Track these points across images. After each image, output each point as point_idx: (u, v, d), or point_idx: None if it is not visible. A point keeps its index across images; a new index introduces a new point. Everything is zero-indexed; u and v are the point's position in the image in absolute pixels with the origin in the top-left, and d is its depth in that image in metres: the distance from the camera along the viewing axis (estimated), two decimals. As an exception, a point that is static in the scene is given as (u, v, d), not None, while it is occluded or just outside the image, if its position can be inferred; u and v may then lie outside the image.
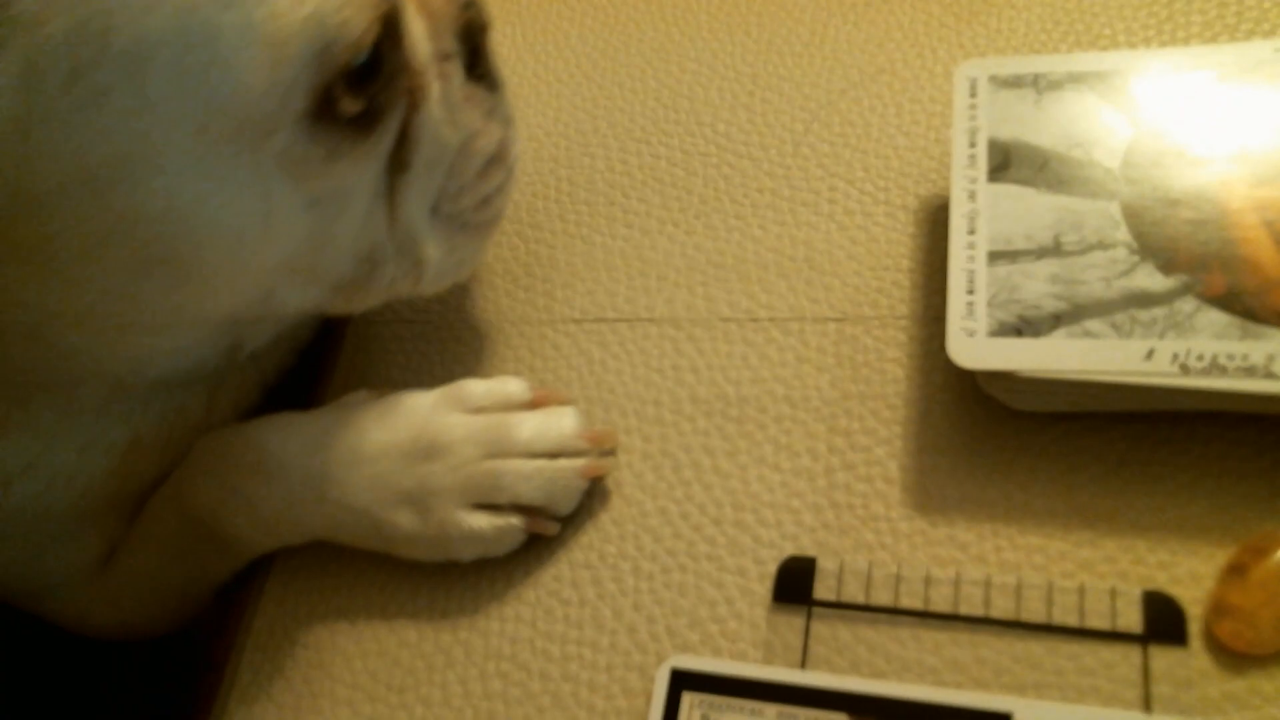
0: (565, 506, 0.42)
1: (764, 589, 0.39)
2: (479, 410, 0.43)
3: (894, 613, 0.37)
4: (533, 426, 0.42)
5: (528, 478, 0.41)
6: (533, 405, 0.43)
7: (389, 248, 0.41)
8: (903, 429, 0.41)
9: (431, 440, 0.41)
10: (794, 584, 0.39)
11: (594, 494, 0.43)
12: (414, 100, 0.39)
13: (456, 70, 0.41)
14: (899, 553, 0.39)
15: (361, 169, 0.38)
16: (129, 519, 0.47)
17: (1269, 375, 0.35)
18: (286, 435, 0.42)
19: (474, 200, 0.43)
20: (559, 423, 0.42)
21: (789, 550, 0.40)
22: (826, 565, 0.39)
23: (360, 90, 0.36)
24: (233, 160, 0.34)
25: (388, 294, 0.43)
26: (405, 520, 0.41)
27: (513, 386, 0.43)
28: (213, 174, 0.34)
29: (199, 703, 0.43)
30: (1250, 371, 0.35)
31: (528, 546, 0.42)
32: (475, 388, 0.43)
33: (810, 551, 0.39)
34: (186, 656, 0.49)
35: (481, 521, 0.41)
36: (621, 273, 0.49)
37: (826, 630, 0.38)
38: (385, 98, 0.37)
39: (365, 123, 0.37)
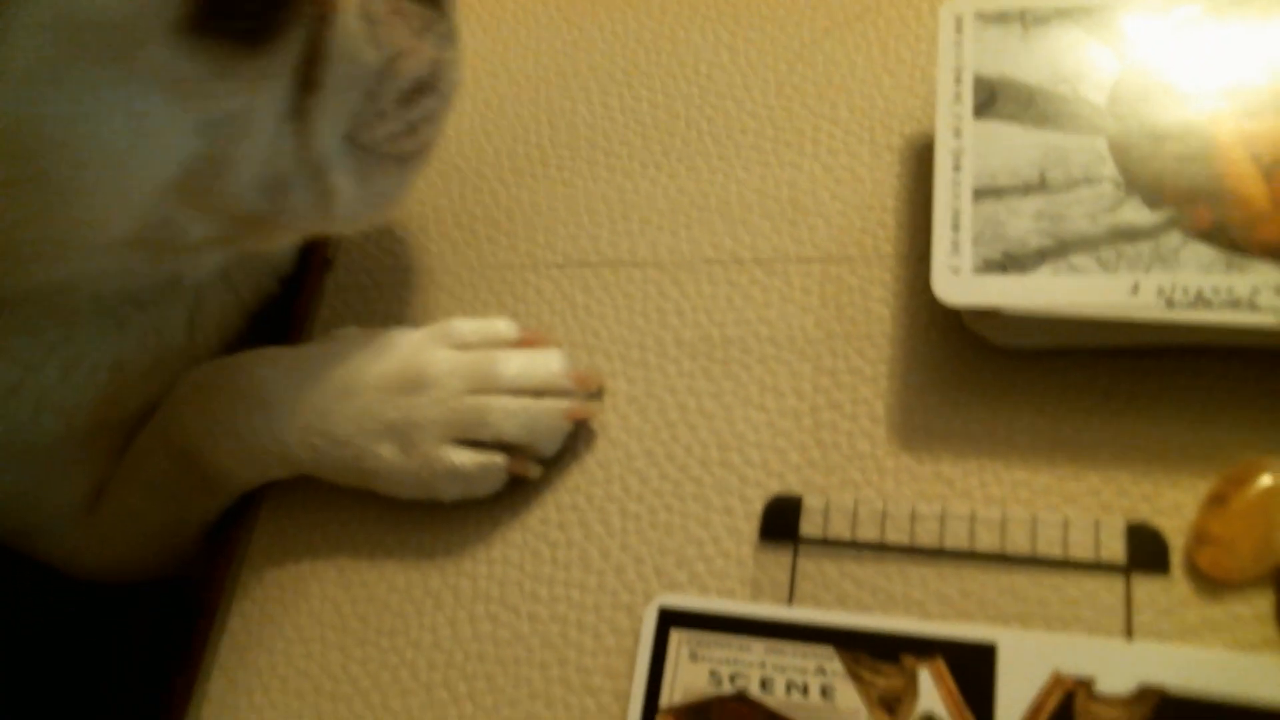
0: (548, 447, 0.42)
1: (750, 527, 0.39)
2: (466, 347, 0.42)
3: (880, 548, 0.37)
4: (519, 364, 0.42)
5: (512, 414, 0.41)
6: (520, 345, 0.43)
7: (296, 176, 0.38)
8: (888, 367, 0.41)
9: (418, 373, 0.41)
10: (780, 522, 0.39)
11: (580, 437, 0.43)
12: (323, 11, 0.36)
13: None
14: (885, 489, 0.39)
15: (259, 88, 0.36)
16: (117, 455, 0.46)
17: (1253, 308, 0.35)
18: (274, 366, 0.42)
19: (397, 128, 0.40)
20: (546, 362, 0.42)
21: (775, 489, 0.40)
22: (812, 503, 0.39)
23: (247, 1, 0.33)
24: (99, 74, 0.32)
25: (298, 229, 0.41)
26: (388, 453, 0.41)
27: (501, 325, 0.43)
28: (78, 88, 0.32)
29: (190, 651, 0.43)
30: (1235, 305, 0.35)
31: (514, 490, 0.42)
32: (463, 325, 0.43)
33: (796, 490, 0.40)
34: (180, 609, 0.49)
35: (464, 458, 0.40)
36: (604, 216, 0.49)
37: (813, 567, 0.38)
38: (284, 8, 0.35)
39: (258, 37, 0.34)
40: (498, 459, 0.41)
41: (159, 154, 0.35)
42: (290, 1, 0.35)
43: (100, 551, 0.48)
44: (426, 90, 0.40)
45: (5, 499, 0.46)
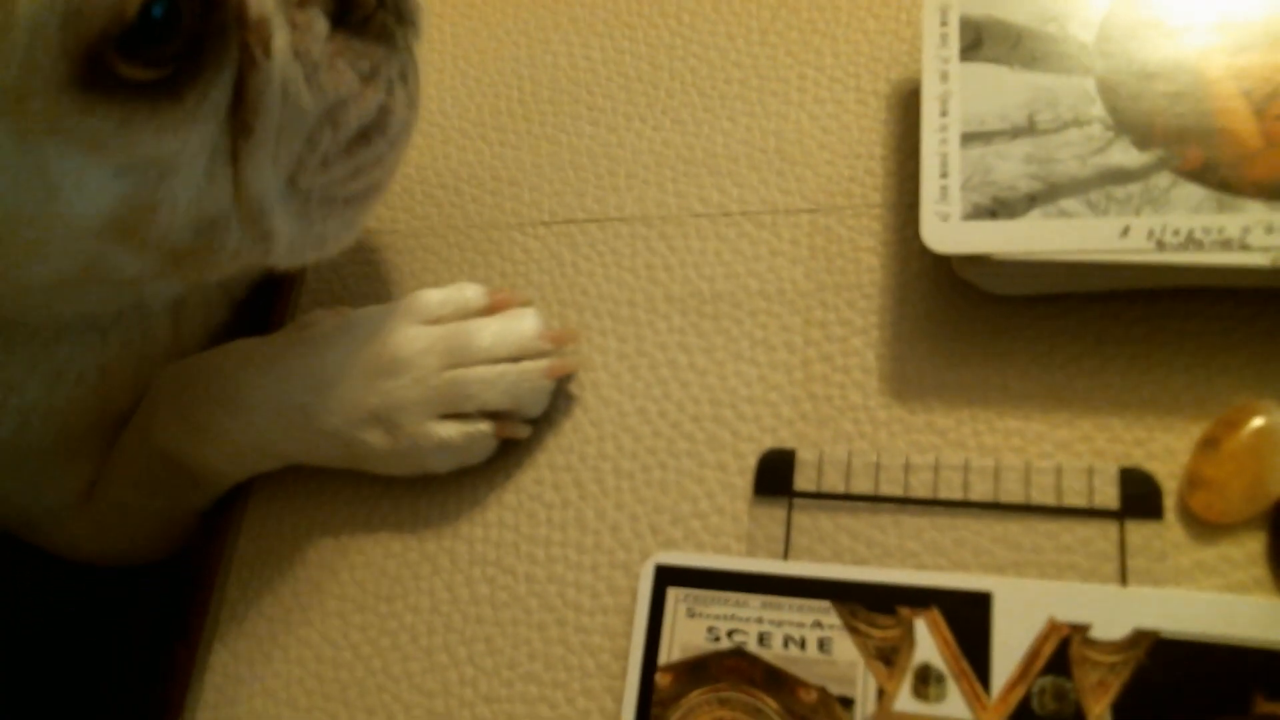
0: (534, 408, 0.42)
1: (745, 483, 0.39)
2: (437, 320, 0.42)
3: (874, 500, 0.37)
4: (493, 332, 0.41)
5: (492, 383, 0.40)
6: (491, 309, 0.42)
7: (232, 218, 0.37)
8: (879, 318, 0.41)
9: (392, 355, 0.41)
10: (774, 476, 0.39)
11: (571, 397, 0.43)
12: (251, 56, 0.34)
13: (317, 19, 0.36)
14: (878, 441, 0.39)
15: (185, 132, 0.34)
16: (109, 450, 0.46)
17: (1244, 248, 0.34)
18: (246, 363, 0.42)
19: (343, 174, 0.38)
20: (519, 325, 0.42)
21: (768, 443, 0.40)
22: (806, 456, 0.39)
23: (153, 53, 0.32)
24: None
25: (237, 265, 0.39)
26: (375, 439, 0.41)
27: (470, 292, 0.43)
28: None
29: (190, 622, 0.43)
30: (1226, 245, 0.35)
31: (507, 452, 0.42)
32: (431, 297, 0.42)
33: (789, 444, 0.40)
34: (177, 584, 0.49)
35: (451, 431, 0.40)
36: (589, 172, 0.48)
37: (808, 520, 0.38)
38: (201, 55, 0.33)
39: (170, 87, 0.33)
40: (483, 427, 0.41)
41: (78, 202, 0.34)
42: (207, 48, 0.33)
43: (98, 540, 0.48)
44: (374, 134, 0.38)
45: (7, 496, 0.46)
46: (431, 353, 0.41)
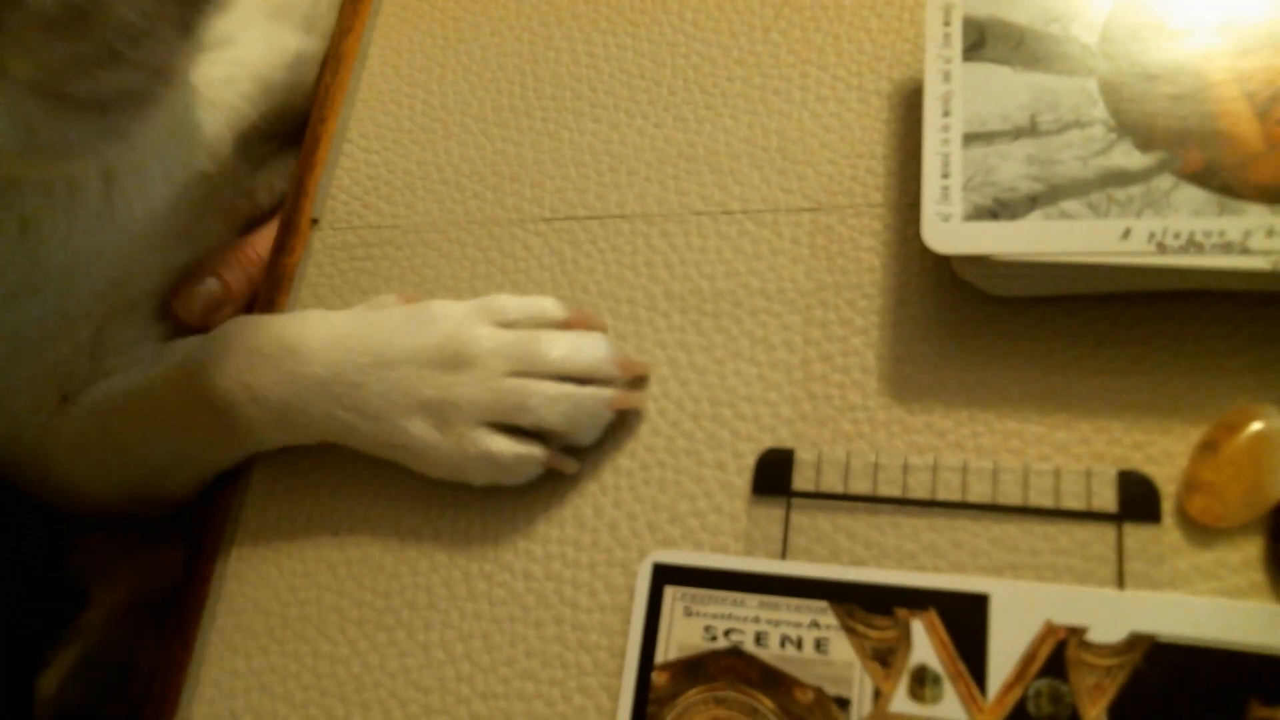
0: (587, 437, 0.41)
1: (743, 482, 0.39)
2: (510, 325, 0.41)
3: (872, 501, 0.37)
4: (565, 346, 0.40)
5: (554, 401, 0.39)
6: (567, 324, 0.42)
7: None
8: (879, 318, 0.41)
9: (458, 349, 0.40)
10: (773, 476, 0.39)
11: (618, 424, 0.42)
12: None
13: None
14: (877, 441, 0.39)
15: None
16: (75, 349, 0.46)
17: (1245, 251, 0.34)
18: (312, 330, 0.42)
19: (56, 62, 0.35)
20: (592, 346, 0.41)
21: (767, 443, 0.40)
22: (805, 456, 0.39)
23: None
24: None
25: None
26: (421, 430, 0.40)
27: (548, 304, 0.42)
28: None
29: (186, 612, 0.44)
30: (1227, 248, 0.35)
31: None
32: (509, 302, 0.42)
33: (788, 443, 0.40)
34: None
35: (501, 445, 0.39)
36: (591, 169, 0.48)
37: (806, 520, 0.38)
38: None
39: None
40: (536, 452, 0.40)
41: None
42: None
43: (78, 470, 0.47)
44: (76, 26, 0.35)
45: None
46: (499, 355, 0.40)
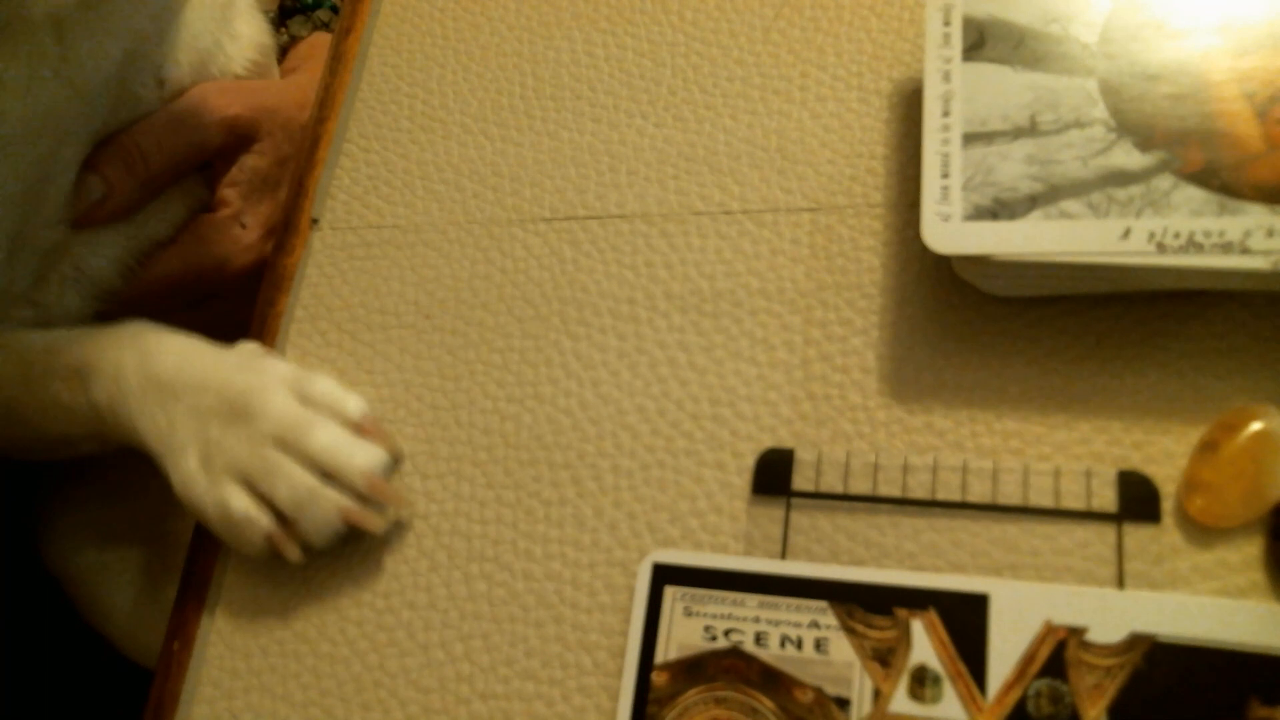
0: (314, 535, 0.41)
1: (743, 482, 0.39)
2: (308, 403, 0.42)
3: (872, 501, 0.37)
4: (331, 440, 0.41)
5: (294, 485, 0.40)
6: (358, 429, 0.42)
7: None
8: (879, 318, 0.41)
9: (247, 404, 0.42)
10: (773, 476, 0.39)
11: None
12: None
13: None
14: (876, 441, 0.39)
15: None
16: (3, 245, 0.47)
17: (1245, 251, 0.34)
18: (167, 348, 0.44)
19: None
20: (362, 454, 0.41)
21: (767, 443, 0.40)
22: (805, 456, 0.39)
23: None
24: None
25: None
26: (191, 461, 0.42)
27: (353, 401, 0.42)
28: None
29: (184, 613, 0.43)
30: (1227, 248, 0.35)
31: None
32: (322, 383, 0.43)
33: (788, 443, 0.40)
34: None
35: (237, 500, 0.41)
36: (590, 169, 0.48)
37: (806, 520, 0.38)
38: None
39: None
40: (263, 519, 0.40)
41: None
42: None
43: None
44: None
45: None
46: (274, 422, 0.41)
